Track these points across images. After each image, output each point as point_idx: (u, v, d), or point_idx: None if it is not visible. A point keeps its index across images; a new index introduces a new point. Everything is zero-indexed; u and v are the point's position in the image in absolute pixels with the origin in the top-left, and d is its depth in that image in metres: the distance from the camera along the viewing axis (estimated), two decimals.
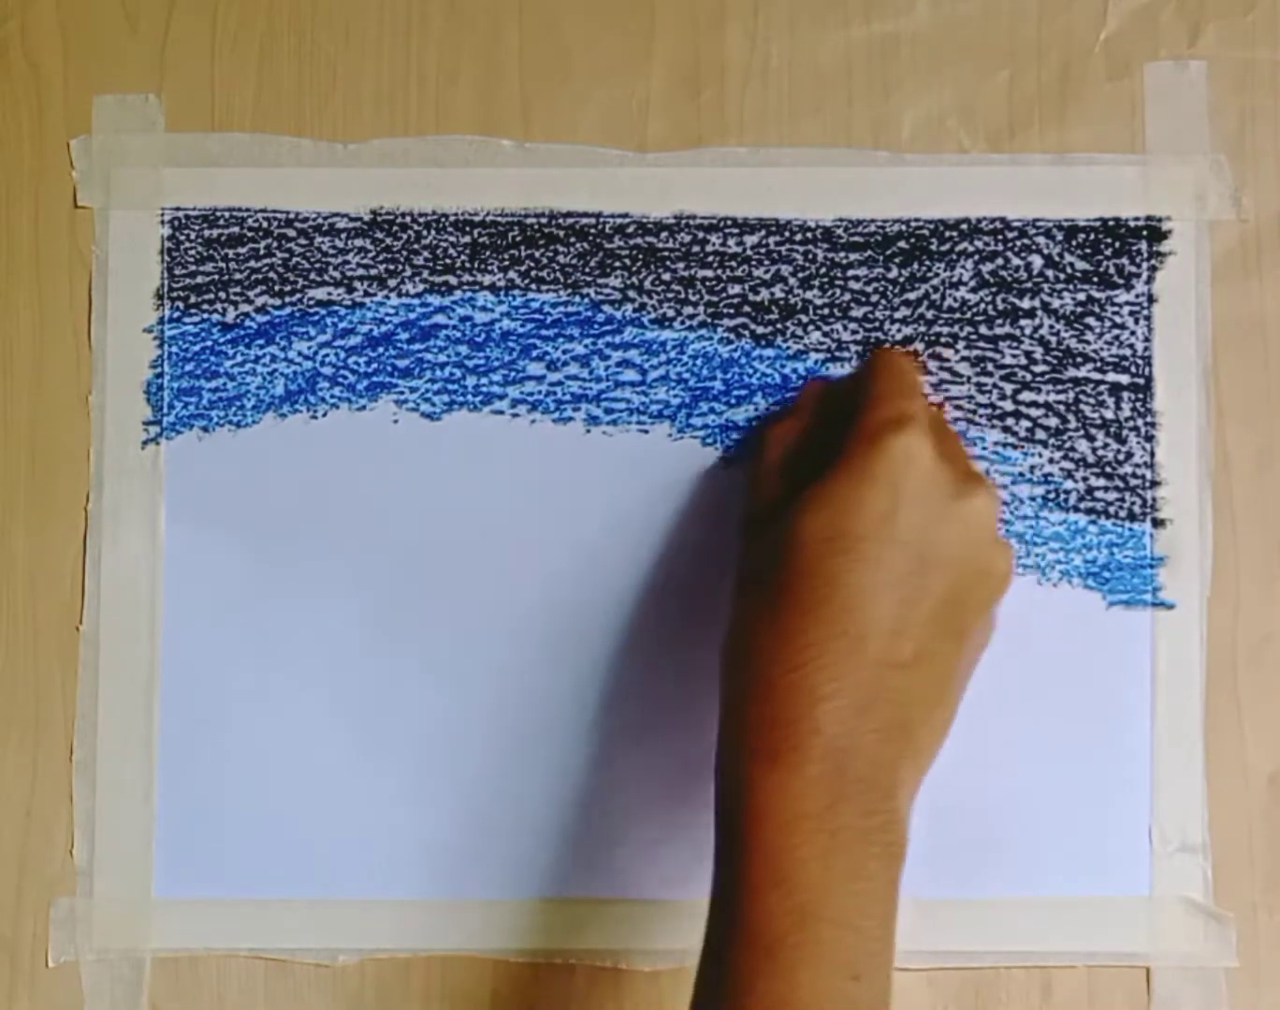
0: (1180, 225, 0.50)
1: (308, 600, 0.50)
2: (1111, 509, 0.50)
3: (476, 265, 0.50)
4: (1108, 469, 0.50)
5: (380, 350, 0.50)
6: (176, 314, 0.50)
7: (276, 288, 0.50)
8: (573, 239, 0.50)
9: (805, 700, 0.40)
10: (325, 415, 0.50)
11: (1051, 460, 0.50)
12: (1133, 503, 0.50)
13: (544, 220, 0.50)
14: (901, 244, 0.50)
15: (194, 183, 0.51)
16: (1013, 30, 0.51)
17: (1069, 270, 0.50)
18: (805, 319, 0.50)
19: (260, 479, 0.50)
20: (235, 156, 0.51)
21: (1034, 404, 0.50)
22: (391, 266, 0.50)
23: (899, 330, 0.50)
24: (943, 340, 0.50)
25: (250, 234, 0.50)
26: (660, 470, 0.50)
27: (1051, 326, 0.50)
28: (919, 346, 0.50)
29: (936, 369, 0.50)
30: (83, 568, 0.50)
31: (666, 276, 0.50)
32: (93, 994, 0.50)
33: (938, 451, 0.43)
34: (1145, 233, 0.50)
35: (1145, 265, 0.50)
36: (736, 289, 0.50)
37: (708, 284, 0.50)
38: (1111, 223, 0.50)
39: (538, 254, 0.50)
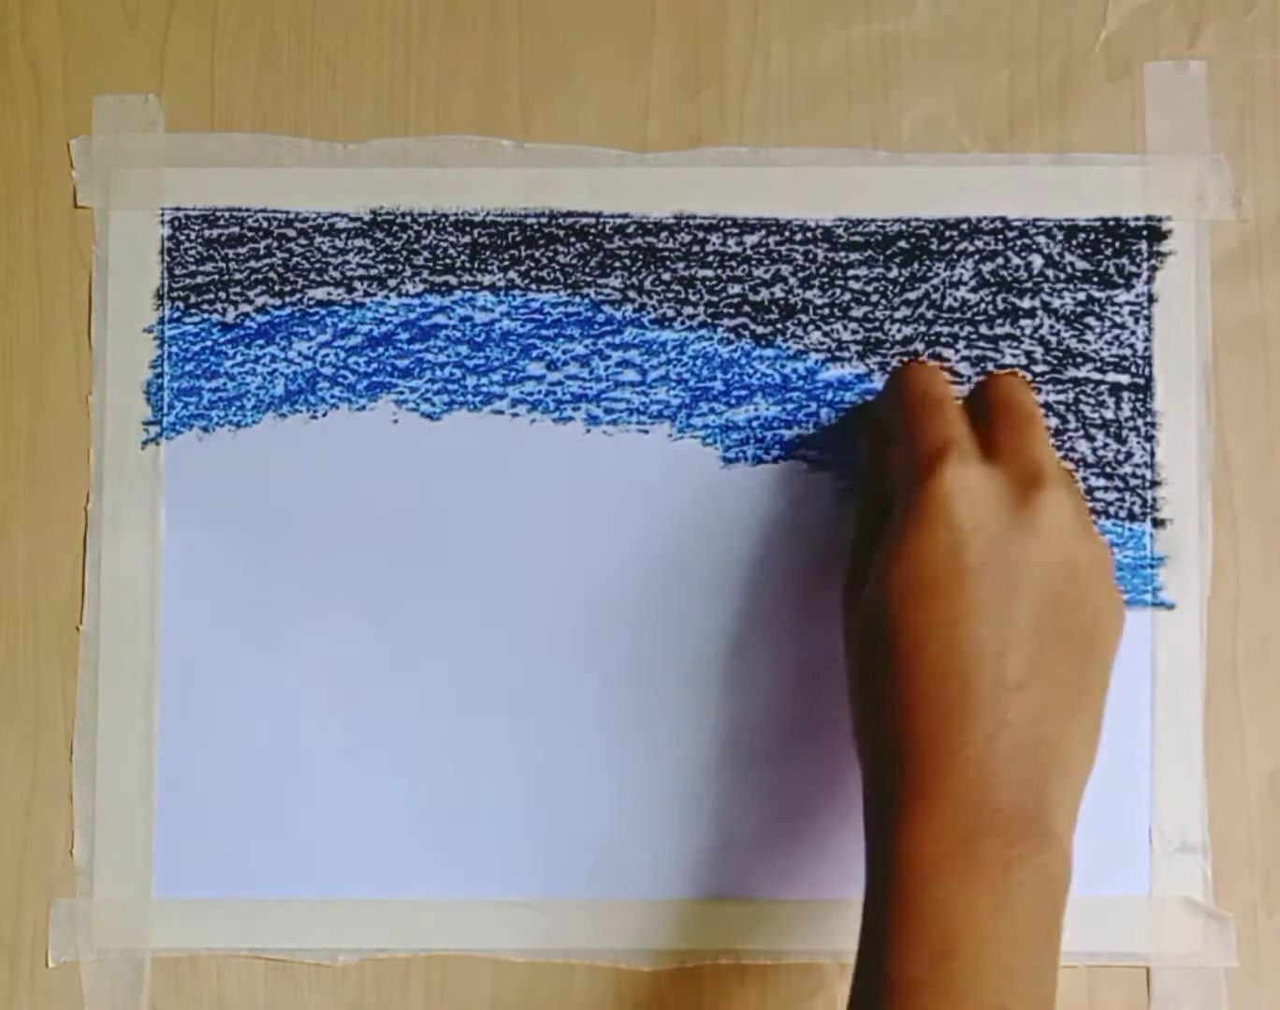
0: (1180, 225, 0.50)
1: (308, 600, 0.50)
2: (1111, 509, 0.50)
3: (476, 265, 0.50)
4: (1108, 469, 0.50)
5: (380, 350, 0.50)
6: (176, 314, 0.50)
7: (276, 288, 0.50)
8: (573, 239, 0.50)
9: (933, 745, 0.41)
10: (325, 415, 0.50)
11: None
12: (1133, 503, 0.50)
13: (544, 220, 0.50)
14: (901, 244, 0.50)
15: (194, 183, 0.51)
16: (1013, 30, 0.51)
17: (1069, 270, 0.50)
18: (805, 319, 0.50)
19: (260, 479, 0.50)
20: (235, 156, 0.51)
21: None
22: (391, 266, 0.50)
23: (899, 330, 0.50)
24: (943, 340, 0.50)
25: (250, 234, 0.50)
26: (660, 470, 0.50)
27: (1051, 326, 0.50)
28: (919, 346, 0.50)
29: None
30: (83, 568, 0.50)
31: (666, 276, 0.50)
32: (93, 994, 0.50)
33: (986, 465, 0.43)
34: (1145, 233, 0.50)
35: (1145, 265, 0.50)
36: (736, 289, 0.50)
37: (708, 284, 0.50)
38: (1111, 223, 0.50)
39: (538, 254, 0.50)
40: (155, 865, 0.50)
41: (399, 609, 0.50)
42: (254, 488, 0.50)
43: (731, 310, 0.50)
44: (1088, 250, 0.50)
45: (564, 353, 0.50)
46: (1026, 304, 0.50)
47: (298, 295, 0.50)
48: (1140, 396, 0.50)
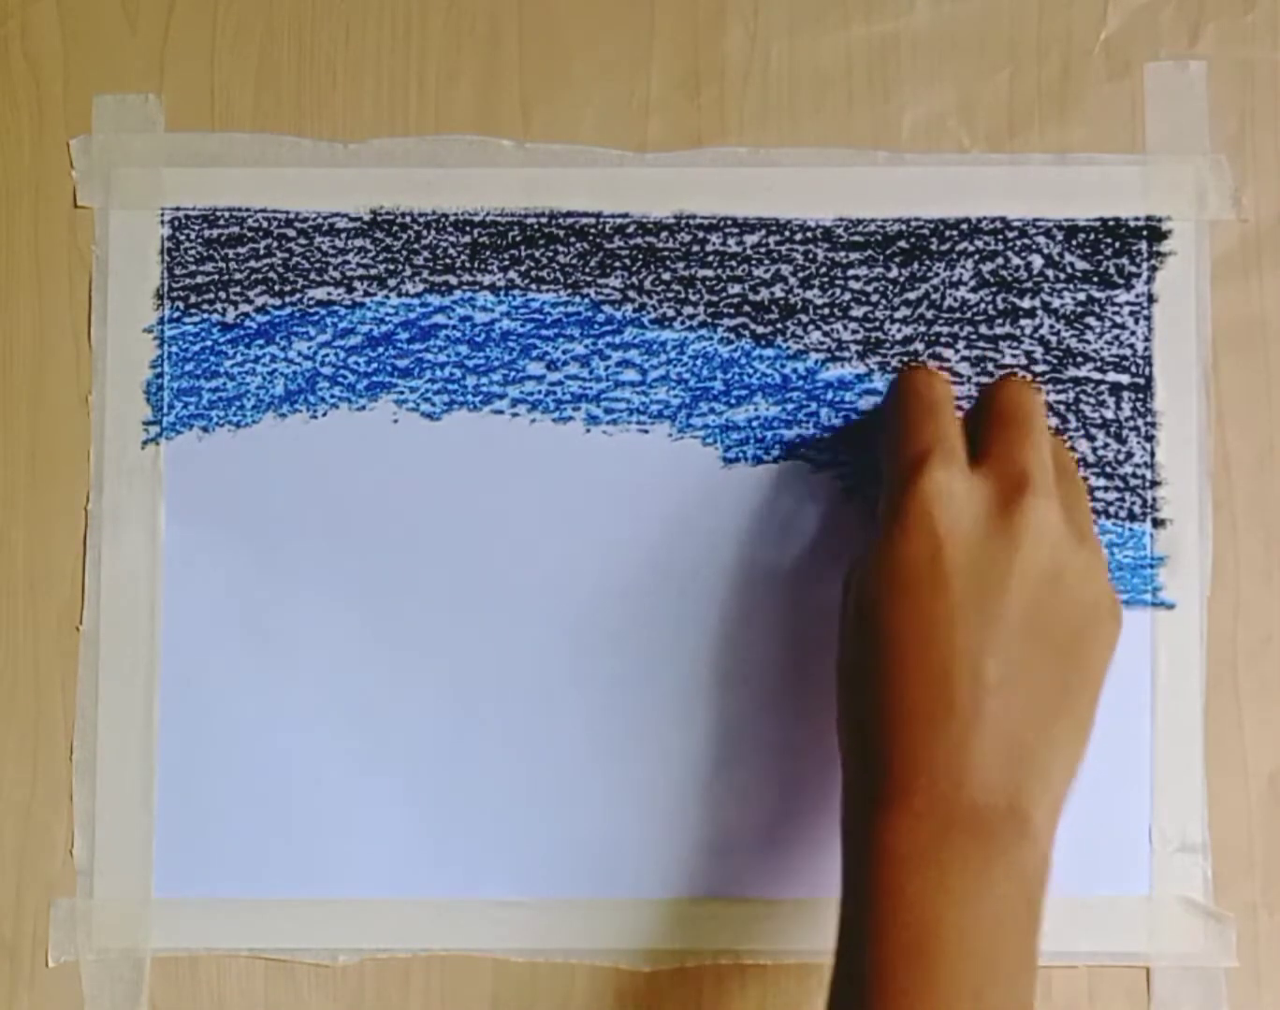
0: (1180, 225, 0.50)
1: (308, 600, 0.50)
2: (1111, 509, 0.50)
3: (476, 265, 0.50)
4: (1108, 469, 0.50)
5: (380, 350, 0.50)
6: (176, 314, 0.50)
7: (276, 288, 0.50)
8: (573, 239, 0.50)
9: (905, 745, 0.41)
10: (325, 415, 0.50)
11: None
12: (1133, 503, 0.50)
13: (544, 220, 0.50)
14: (901, 244, 0.50)
15: (194, 183, 0.51)
16: (1013, 30, 0.51)
17: (1069, 270, 0.50)
18: (805, 318, 0.50)
19: (260, 479, 0.50)
20: (235, 156, 0.51)
21: None
22: (391, 266, 0.50)
23: (899, 330, 0.50)
24: (943, 340, 0.50)
25: (250, 234, 0.50)
26: (660, 470, 0.50)
27: (1051, 326, 0.50)
28: (919, 346, 0.50)
29: (937, 369, 0.50)
30: (83, 568, 0.50)
31: (666, 276, 0.50)
32: (93, 994, 0.50)
33: (969, 469, 0.43)
34: (1145, 233, 0.50)
35: (1145, 265, 0.50)
36: (736, 289, 0.50)
37: (708, 284, 0.50)
38: (1111, 223, 0.50)
39: (538, 254, 0.50)
40: (155, 865, 0.50)
41: (398, 609, 0.50)
42: (254, 488, 0.50)
43: (731, 310, 0.50)
44: (1088, 250, 0.50)
45: (564, 353, 0.50)
46: (1026, 304, 0.50)
47: (298, 295, 0.50)
48: (1140, 396, 0.50)
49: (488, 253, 0.50)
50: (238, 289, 0.50)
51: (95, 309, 0.50)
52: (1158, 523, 0.50)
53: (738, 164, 0.50)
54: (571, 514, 0.50)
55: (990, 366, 0.50)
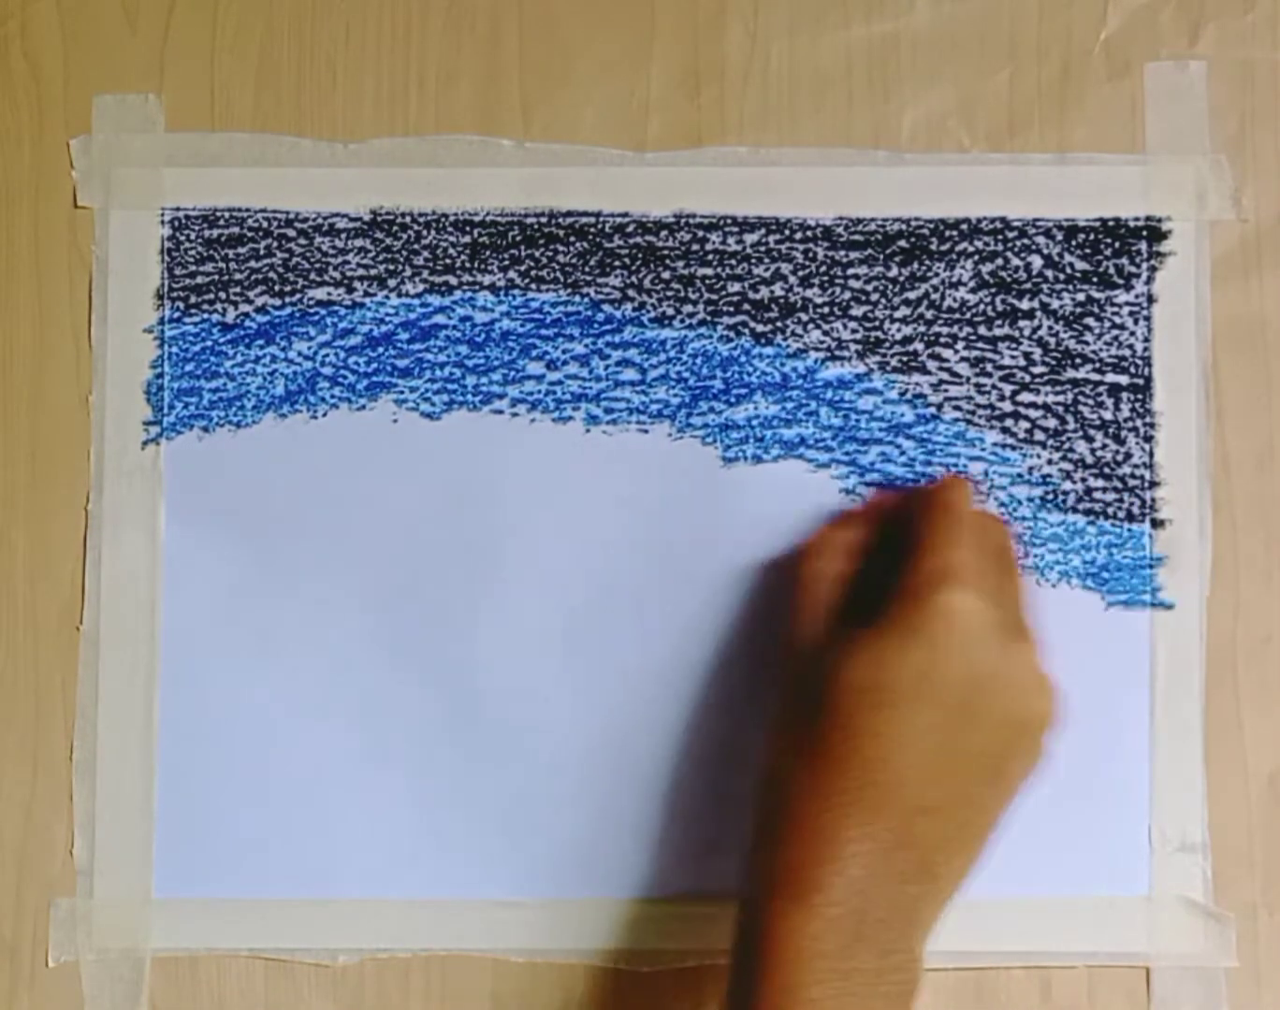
0: (1180, 225, 0.50)
1: (308, 600, 0.50)
2: (1110, 510, 0.50)
3: (476, 265, 0.50)
4: (1106, 470, 0.50)
5: (380, 350, 0.50)
6: (176, 314, 0.50)
7: (276, 288, 0.50)
8: (572, 238, 0.50)
9: (832, 843, 0.41)
10: (325, 415, 0.50)
11: (1050, 461, 0.50)
12: (1132, 503, 0.50)
13: (544, 220, 0.50)
14: (901, 243, 0.50)
15: (194, 183, 0.51)
16: (1013, 30, 0.51)
17: (1069, 270, 0.50)
18: (805, 317, 0.50)
19: (260, 479, 0.50)
20: (235, 156, 0.51)
21: (1033, 405, 0.50)
22: (391, 266, 0.50)
23: (899, 330, 0.50)
24: (942, 340, 0.50)
25: (250, 234, 0.50)
26: (660, 470, 0.50)
27: (1051, 327, 0.50)
28: (918, 346, 0.50)
29: (936, 369, 0.50)
30: (83, 568, 0.50)
31: (666, 275, 0.50)
32: (93, 994, 0.50)
33: (985, 604, 0.43)
34: (1145, 233, 0.50)
35: (1145, 265, 0.50)
36: (736, 287, 0.50)
37: (707, 283, 0.50)
38: (1111, 223, 0.50)
39: (537, 253, 0.50)
40: (155, 865, 0.50)
41: (398, 608, 0.50)
42: (254, 487, 0.50)
43: (731, 309, 0.50)
44: (1087, 250, 0.50)
45: (564, 352, 0.50)
46: (1026, 305, 0.50)
47: (298, 295, 0.50)
48: (1140, 397, 0.50)
49: (488, 252, 0.50)
50: (238, 289, 0.50)
51: (95, 309, 0.50)
52: (1157, 523, 0.50)
53: (738, 164, 0.50)
54: (571, 514, 0.50)
55: (989, 367, 0.50)
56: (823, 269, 0.50)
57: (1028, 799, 0.49)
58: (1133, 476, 0.50)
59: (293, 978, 0.50)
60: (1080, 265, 0.50)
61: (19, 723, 0.50)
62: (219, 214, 0.50)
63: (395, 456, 0.50)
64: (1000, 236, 0.50)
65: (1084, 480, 0.50)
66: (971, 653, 0.42)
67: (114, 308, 0.50)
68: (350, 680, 0.50)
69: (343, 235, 0.50)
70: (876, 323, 0.50)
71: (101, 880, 0.50)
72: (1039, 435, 0.50)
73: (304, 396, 0.50)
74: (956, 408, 0.50)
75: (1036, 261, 0.50)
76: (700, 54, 0.51)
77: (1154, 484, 0.50)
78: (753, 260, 0.50)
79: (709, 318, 0.50)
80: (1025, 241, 0.50)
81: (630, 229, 0.50)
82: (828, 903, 0.40)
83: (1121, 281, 0.50)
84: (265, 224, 0.50)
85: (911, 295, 0.50)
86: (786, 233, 0.50)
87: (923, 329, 0.50)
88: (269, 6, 0.51)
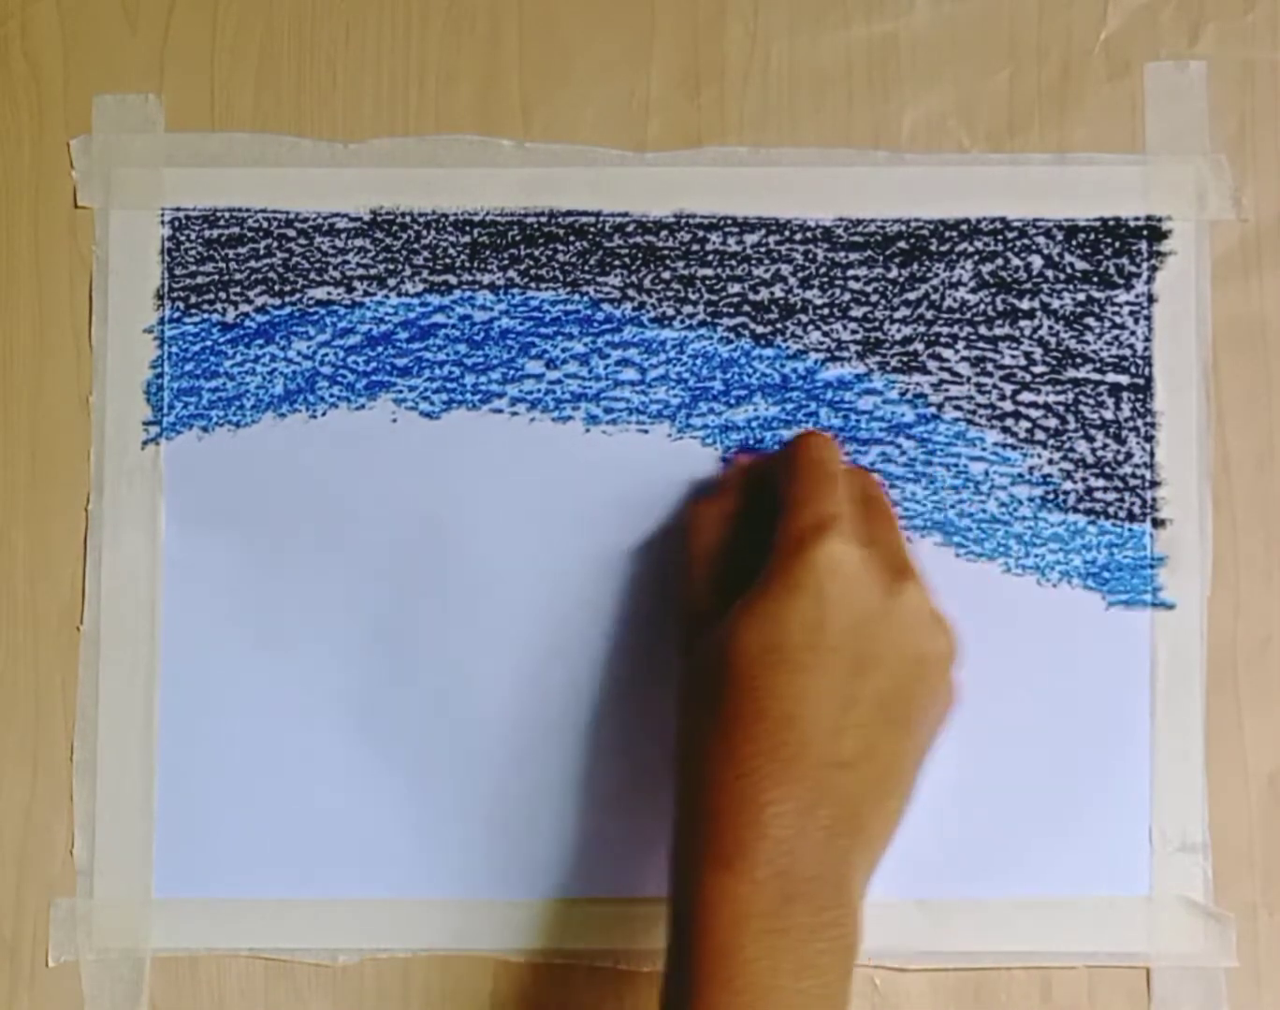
0: (1180, 225, 0.50)
1: (308, 600, 0.50)
2: (1111, 509, 0.50)
3: (476, 264, 0.50)
4: (1107, 469, 0.50)
5: (379, 349, 0.50)
6: (176, 314, 0.50)
7: (276, 288, 0.50)
8: (572, 238, 0.50)
9: (752, 807, 0.41)
10: (324, 415, 0.50)
11: (1051, 461, 0.50)
12: (1132, 503, 0.50)
13: (543, 219, 0.50)
14: (901, 244, 0.50)
15: (194, 183, 0.51)
16: (1013, 30, 0.51)
17: (1069, 270, 0.50)
18: (805, 318, 0.50)
19: (260, 479, 0.50)
20: (235, 156, 0.51)
21: (1033, 404, 0.50)
22: (391, 266, 0.50)
23: (899, 330, 0.50)
24: (942, 340, 0.50)
25: (250, 234, 0.50)
26: (660, 470, 0.50)
27: (1051, 327, 0.50)
28: (918, 346, 0.50)
29: (937, 369, 0.50)
30: (83, 568, 0.50)
31: (666, 275, 0.50)
32: (93, 994, 0.50)
33: (863, 549, 0.43)
34: (1145, 233, 0.50)
35: (1145, 265, 0.50)
36: (736, 288, 0.50)
37: (707, 283, 0.50)
38: (1111, 223, 0.50)
39: (537, 253, 0.50)
40: (155, 865, 0.50)
41: (398, 608, 0.50)
42: (254, 487, 0.50)
43: (731, 310, 0.50)
44: (1087, 250, 0.50)
45: (563, 351, 0.50)
46: (1026, 304, 0.50)
47: (297, 295, 0.50)
48: (1140, 397, 0.50)
49: (487, 252, 0.50)
50: (238, 289, 0.50)
51: (95, 309, 0.50)
52: (1158, 523, 0.50)
53: (738, 164, 0.50)
54: (571, 513, 0.50)
55: (990, 367, 0.50)
56: (823, 270, 0.50)
57: (1028, 799, 0.49)
58: (1133, 476, 0.50)
59: (293, 978, 0.50)
60: (1080, 265, 0.50)
61: (19, 723, 0.50)
62: (219, 214, 0.50)
63: (395, 456, 0.50)
64: (1000, 236, 0.50)
65: (1085, 480, 0.50)
66: (856, 599, 0.43)
67: (114, 308, 0.50)
68: (349, 679, 0.50)
69: (343, 235, 0.50)
70: (876, 323, 0.50)
71: (101, 880, 0.50)
72: (1040, 435, 0.50)
73: (303, 396, 0.50)
74: (957, 408, 0.50)
75: (1037, 261, 0.50)
76: (700, 54, 0.51)
77: (1154, 484, 0.50)
78: (753, 261, 0.50)
79: (709, 319, 0.50)
80: (1025, 241, 0.50)
81: (630, 229, 0.50)
82: (755, 865, 0.40)
83: (1122, 281, 0.50)
84: (265, 224, 0.50)
85: (911, 296, 0.50)
86: (786, 233, 0.50)
87: (923, 329, 0.50)
88: (269, 6, 0.51)
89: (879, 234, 0.50)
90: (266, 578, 0.50)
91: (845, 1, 0.51)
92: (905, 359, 0.50)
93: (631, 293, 0.50)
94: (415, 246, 0.50)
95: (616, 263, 0.50)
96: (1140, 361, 0.50)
